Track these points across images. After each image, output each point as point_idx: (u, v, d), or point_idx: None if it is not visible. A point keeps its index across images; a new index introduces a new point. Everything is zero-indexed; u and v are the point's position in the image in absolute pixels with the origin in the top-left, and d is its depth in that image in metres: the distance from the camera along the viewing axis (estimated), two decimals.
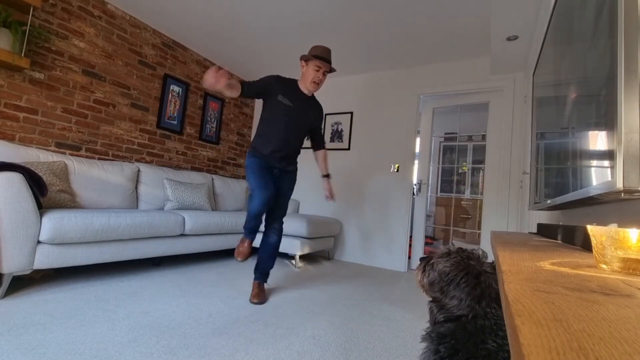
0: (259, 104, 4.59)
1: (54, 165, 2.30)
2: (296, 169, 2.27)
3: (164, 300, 1.86)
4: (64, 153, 2.65)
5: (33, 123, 2.48)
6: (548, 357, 0.17)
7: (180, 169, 3.57)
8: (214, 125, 4.05)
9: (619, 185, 0.45)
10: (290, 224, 3.19)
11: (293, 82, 2.14)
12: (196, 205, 3.14)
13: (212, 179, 3.70)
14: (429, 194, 3.86)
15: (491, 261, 0.79)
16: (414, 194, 3.67)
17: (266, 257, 2.16)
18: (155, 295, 1.95)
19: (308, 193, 4.16)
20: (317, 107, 2.26)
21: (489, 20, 2.37)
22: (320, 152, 2.36)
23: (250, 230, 2.05)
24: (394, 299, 2.34)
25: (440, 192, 4.65)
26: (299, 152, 2.24)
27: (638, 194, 0.47)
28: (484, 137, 3.67)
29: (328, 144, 4.10)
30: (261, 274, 2.14)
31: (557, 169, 1.08)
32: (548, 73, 1.31)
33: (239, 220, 3.14)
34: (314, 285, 2.54)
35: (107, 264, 2.52)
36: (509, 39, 2.47)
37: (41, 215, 1.82)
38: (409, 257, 3.62)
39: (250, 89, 2.02)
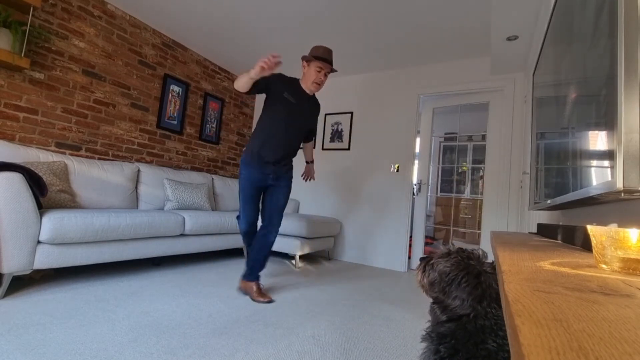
0: (259, 103, 4.59)
1: (54, 165, 2.30)
2: (292, 174, 2.25)
3: (164, 300, 1.86)
4: (64, 153, 2.65)
5: (33, 123, 2.48)
6: (548, 357, 0.17)
7: (180, 169, 3.57)
8: (214, 125, 4.05)
9: (619, 185, 0.45)
10: (290, 224, 3.19)
11: (296, 81, 2.15)
12: (196, 205, 3.14)
13: (212, 179, 3.70)
14: (429, 194, 3.86)
15: (491, 261, 0.79)
16: (414, 194, 3.67)
17: (263, 256, 2.13)
18: (155, 295, 1.95)
19: (308, 193, 4.16)
20: (317, 105, 2.29)
21: (489, 20, 2.37)
22: (310, 144, 2.50)
23: (246, 241, 2.29)
24: (394, 299, 2.34)
25: (440, 192, 4.65)
26: (295, 154, 2.23)
27: (638, 194, 0.47)
28: (484, 137, 3.67)
29: (328, 144, 4.11)
30: (257, 275, 2.11)
31: (557, 169, 1.08)
32: (548, 73, 1.31)
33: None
34: (314, 285, 2.54)
35: (107, 264, 2.53)
36: (509, 39, 2.47)
37: (41, 215, 1.82)
38: (409, 257, 3.62)
39: (256, 85, 1.94)
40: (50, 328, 1.39)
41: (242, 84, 1.89)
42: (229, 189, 3.80)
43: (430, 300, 0.82)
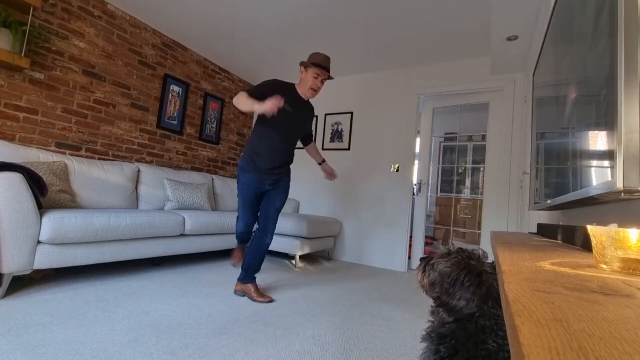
0: None
1: (54, 165, 2.30)
2: (289, 177, 2.28)
3: (164, 300, 1.86)
4: (64, 153, 2.65)
5: (33, 123, 2.48)
6: (548, 357, 0.17)
7: (180, 169, 3.57)
8: (214, 125, 4.05)
9: (619, 185, 0.45)
10: (290, 224, 3.19)
11: (292, 87, 2.15)
12: (196, 205, 3.14)
13: (212, 179, 3.70)
14: (429, 194, 3.86)
15: (491, 261, 0.79)
16: (414, 194, 3.67)
17: (259, 258, 2.14)
18: (155, 295, 1.95)
19: (308, 193, 4.16)
20: (311, 110, 2.29)
21: (489, 20, 2.37)
22: (312, 146, 2.46)
23: (240, 241, 2.37)
24: (394, 299, 2.34)
25: (440, 192, 4.65)
26: (292, 160, 2.26)
27: (638, 194, 0.47)
28: (484, 137, 3.67)
29: (328, 144, 4.11)
30: (254, 276, 2.12)
31: (557, 169, 1.08)
32: (548, 73, 1.31)
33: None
34: (314, 285, 2.54)
35: (107, 264, 2.52)
36: (509, 39, 2.47)
37: (41, 215, 1.82)
38: (409, 257, 3.62)
39: (257, 94, 1.99)
40: (50, 328, 1.39)
41: (242, 107, 1.95)
42: (229, 189, 3.80)
43: (431, 300, 0.82)
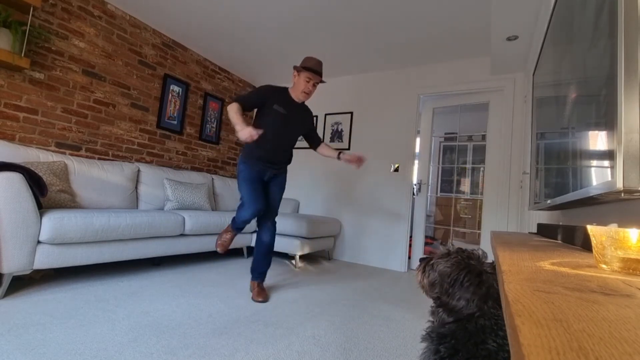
0: None
1: (54, 165, 2.30)
2: (286, 172, 2.37)
3: (164, 300, 1.86)
4: (64, 153, 2.65)
5: (33, 123, 2.48)
6: (548, 357, 0.17)
7: (180, 169, 3.57)
8: (214, 125, 4.05)
9: (619, 185, 0.45)
10: (290, 224, 3.19)
11: (285, 91, 2.23)
12: (196, 205, 3.14)
13: (212, 179, 3.70)
14: (429, 194, 3.86)
15: (491, 261, 0.79)
16: (414, 194, 3.67)
17: (261, 257, 2.20)
18: (155, 295, 1.95)
19: (308, 193, 4.16)
20: (308, 112, 2.36)
21: (489, 20, 2.37)
22: (322, 146, 2.45)
23: (237, 228, 2.22)
24: (394, 299, 2.34)
25: (440, 192, 4.65)
26: (290, 159, 2.34)
27: (638, 194, 0.47)
28: (484, 137, 3.67)
29: (328, 144, 4.11)
30: (259, 274, 2.18)
31: (557, 169, 1.08)
32: (548, 73, 1.31)
33: None
34: (314, 285, 2.54)
35: (107, 264, 2.52)
36: (509, 39, 2.47)
37: (41, 215, 1.82)
38: (409, 257, 3.62)
39: (246, 104, 2.12)
40: (50, 328, 1.39)
41: (230, 119, 2.03)
42: (229, 189, 3.80)
43: (431, 300, 0.82)
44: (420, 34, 2.96)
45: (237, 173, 2.22)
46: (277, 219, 3.25)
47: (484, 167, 3.39)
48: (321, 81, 2.19)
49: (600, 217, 0.84)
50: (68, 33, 2.65)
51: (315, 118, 4.22)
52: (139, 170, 2.97)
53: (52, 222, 1.82)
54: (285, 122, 2.18)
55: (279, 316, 1.79)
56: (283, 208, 4.07)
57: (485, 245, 3.11)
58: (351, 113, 3.99)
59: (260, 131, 1.89)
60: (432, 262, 0.82)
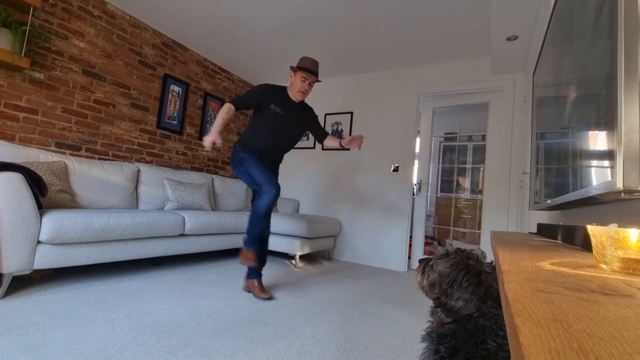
0: None
1: (54, 165, 2.30)
2: (278, 169, 2.44)
3: (164, 300, 1.86)
4: (64, 153, 2.65)
5: (33, 123, 2.48)
6: (548, 357, 0.17)
7: (180, 169, 3.57)
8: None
9: (619, 185, 0.45)
10: (290, 224, 3.19)
11: (283, 90, 2.26)
12: (196, 205, 3.14)
13: (212, 179, 3.70)
14: (429, 194, 3.86)
15: (490, 261, 0.79)
16: (414, 194, 3.67)
17: (263, 250, 2.19)
18: (155, 295, 1.95)
19: (308, 193, 4.16)
20: (307, 109, 2.39)
21: (489, 20, 2.37)
22: (328, 138, 2.42)
23: (256, 237, 2.07)
24: (394, 299, 2.34)
25: (440, 192, 4.65)
26: (285, 152, 2.38)
27: (638, 194, 0.47)
28: (484, 137, 3.67)
29: (332, 135, 4.11)
30: (251, 270, 2.16)
31: (557, 169, 1.08)
32: (548, 73, 1.31)
33: (239, 220, 3.14)
34: (314, 285, 2.54)
35: (107, 264, 2.52)
36: (509, 39, 2.47)
37: (41, 215, 1.82)
38: (409, 257, 3.62)
39: (243, 105, 2.18)
40: (50, 328, 1.38)
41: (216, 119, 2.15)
42: (229, 189, 3.80)
43: (431, 300, 0.82)
44: (420, 34, 2.96)
45: (235, 162, 2.17)
46: (277, 218, 3.27)
47: (484, 167, 3.39)
48: (317, 80, 2.22)
49: (600, 217, 0.84)
50: (68, 33, 2.65)
51: None
52: (139, 170, 2.97)
53: (52, 222, 1.82)
54: (282, 122, 2.20)
55: (279, 316, 1.79)
56: (283, 208, 4.07)
57: (485, 245, 3.11)
58: (351, 113, 3.99)
59: (219, 146, 2.08)
60: (431, 263, 0.82)
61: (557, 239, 1.07)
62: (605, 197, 0.61)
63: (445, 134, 4.58)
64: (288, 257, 3.53)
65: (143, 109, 3.25)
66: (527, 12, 2.12)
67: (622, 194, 0.48)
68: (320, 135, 2.43)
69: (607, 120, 0.53)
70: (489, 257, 0.80)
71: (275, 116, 2.18)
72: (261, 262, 2.18)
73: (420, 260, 0.87)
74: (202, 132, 3.88)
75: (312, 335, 1.57)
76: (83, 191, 2.46)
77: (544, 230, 1.38)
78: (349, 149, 2.45)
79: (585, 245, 0.74)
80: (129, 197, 2.80)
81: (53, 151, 2.54)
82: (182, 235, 2.68)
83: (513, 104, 3.12)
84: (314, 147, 4.20)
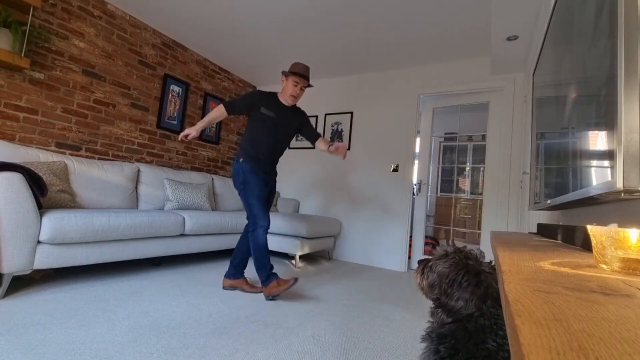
0: None
1: (54, 165, 2.30)
2: (276, 173, 2.47)
3: (164, 300, 1.86)
4: (64, 153, 2.65)
5: (33, 123, 2.48)
6: (548, 357, 0.17)
7: (180, 169, 3.57)
8: (214, 125, 4.05)
9: (619, 185, 0.45)
10: (290, 224, 3.19)
11: (273, 95, 2.35)
12: (196, 205, 3.14)
13: (212, 179, 3.70)
14: (429, 194, 3.86)
15: (489, 261, 0.79)
16: (414, 194, 3.67)
17: (252, 252, 2.19)
18: (155, 295, 1.95)
19: (308, 193, 4.16)
20: (299, 112, 2.46)
21: (489, 20, 2.37)
22: (319, 140, 2.45)
23: (267, 264, 2.12)
24: (394, 299, 2.34)
25: (440, 192, 4.65)
26: (281, 155, 2.44)
27: (638, 194, 0.47)
28: (484, 137, 3.67)
29: (324, 138, 4.11)
30: (236, 269, 2.25)
31: (557, 169, 1.08)
32: (548, 73, 1.31)
33: (239, 220, 3.14)
34: (314, 285, 2.54)
35: (107, 264, 2.52)
36: (509, 39, 2.47)
37: (41, 215, 1.82)
38: (409, 257, 3.62)
39: (234, 109, 2.28)
40: (50, 328, 1.39)
41: (215, 122, 2.37)
42: (229, 189, 3.80)
43: (431, 301, 0.82)
44: (420, 34, 2.96)
45: (239, 181, 2.21)
46: (277, 218, 3.27)
47: (484, 167, 3.39)
48: (308, 85, 2.31)
49: (600, 217, 0.84)
50: (68, 33, 2.65)
51: (315, 118, 4.22)
52: (139, 170, 2.97)
53: (52, 222, 1.82)
54: (275, 125, 2.29)
55: (279, 316, 1.79)
56: (283, 208, 4.07)
57: (485, 245, 3.11)
58: (351, 113, 3.99)
59: (192, 139, 2.21)
60: (430, 264, 0.82)
61: (557, 239, 1.07)
62: (605, 197, 0.61)
63: (445, 134, 4.58)
64: (288, 257, 3.53)
65: (143, 109, 3.25)
66: (527, 12, 2.12)
67: (622, 194, 0.48)
68: (313, 137, 2.48)
69: (607, 120, 0.53)
70: (488, 257, 0.80)
71: (268, 119, 2.26)
72: (243, 267, 2.30)
73: (420, 261, 0.87)
74: (202, 132, 3.86)
75: (312, 335, 1.57)
76: (83, 191, 2.46)
77: (544, 230, 1.38)
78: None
79: (585, 245, 0.74)
80: (129, 197, 2.80)
81: (53, 151, 2.54)
82: (182, 235, 2.68)
83: (513, 104, 3.12)
84: (314, 147, 4.20)
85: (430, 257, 0.85)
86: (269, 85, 4.52)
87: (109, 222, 2.08)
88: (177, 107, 3.58)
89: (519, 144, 3.05)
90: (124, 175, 2.78)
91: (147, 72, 3.26)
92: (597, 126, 0.62)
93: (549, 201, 1.08)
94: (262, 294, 2.15)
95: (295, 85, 2.26)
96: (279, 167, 2.53)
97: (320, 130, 4.18)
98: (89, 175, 2.54)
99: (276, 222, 3.23)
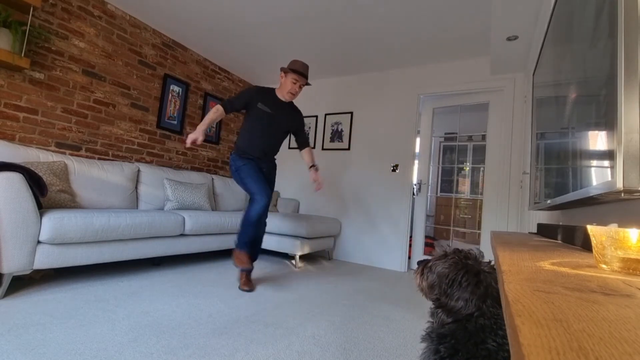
0: None
1: (54, 165, 2.30)
2: (276, 166, 2.54)
3: (164, 300, 1.86)
4: (64, 153, 2.65)
5: (33, 123, 2.48)
6: (548, 357, 0.17)
7: (180, 169, 3.57)
8: (214, 125, 4.05)
9: (619, 185, 0.45)
10: (290, 224, 3.19)
11: (271, 91, 2.37)
12: (196, 205, 3.14)
13: (212, 179, 3.70)
14: (429, 194, 3.86)
15: (488, 261, 0.79)
16: (414, 194, 3.67)
17: (260, 236, 2.35)
18: (155, 295, 1.95)
19: (308, 193, 4.16)
20: (296, 111, 2.49)
21: (489, 20, 2.37)
22: (306, 150, 2.57)
23: (247, 242, 2.19)
24: (394, 299, 2.34)
25: (440, 192, 4.65)
26: (277, 151, 2.48)
27: (638, 194, 0.47)
28: (484, 137, 3.67)
29: (328, 144, 4.11)
30: (239, 242, 2.24)
31: (557, 169, 1.08)
32: (548, 73, 1.31)
33: (239, 220, 3.13)
34: (314, 285, 2.54)
35: (107, 264, 2.52)
36: (509, 39, 2.47)
37: (41, 215, 1.82)
38: (409, 257, 3.63)
39: (232, 107, 2.28)
40: (50, 328, 1.39)
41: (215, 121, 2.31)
42: (229, 189, 3.80)
43: (431, 302, 0.82)
44: (420, 34, 2.96)
45: (233, 170, 2.32)
46: (277, 218, 3.27)
47: (484, 167, 3.39)
48: (307, 83, 2.33)
49: (600, 217, 0.84)
50: (68, 33, 2.65)
51: (315, 118, 4.22)
52: (139, 170, 2.97)
53: (52, 222, 1.82)
54: (271, 120, 2.30)
55: (279, 316, 1.79)
56: (283, 208, 4.07)
57: (485, 245, 3.11)
58: (351, 113, 3.99)
59: (200, 143, 2.14)
60: (429, 264, 0.82)
61: (557, 239, 1.07)
62: (605, 197, 0.61)
63: (445, 134, 4.57)
64: (288, 257, 3.53)
65: (143, 109, 3.25)
66: (527, 12, 2.12)
67: (622, 194, 0.48)
68: (302, 143, 2.54)
69: (607, 120, 0.53)
70: (488, 257, 0.80)
71: (265, 115, 2.27)
72: (253, 257, 2.32)
73: (419, 262, 0.87)
74: None
75: (312, 335, 1.57)
76: (83, 191, 2.46)
77: (544, 230, 1.38)
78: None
79: (585, 245, 0.74)
80: (129, 197, 2.80)
81: (53, 151, 2.54)
82: (182, 235, 2.68)
83: (513, 104, 3.12)
84: (314, 147, 4.20)
85: (429, 258, 0.85)
86: (269, 85, 4.51)
87: (109, 222, 2.08)
88: (177, 107, 3.58)
89: (519, 144, 3.05)
90: (124, 175, 2.78)
91: (147, 72, 3.26)
92: (597, 126, 0.62)
93: (549, 201, 1.08)
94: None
95: (294, 83, 2.27)
96: (279, 167, 2.54)
97: (320, 130, 4.18)
98: (89, 175, 2.54)
99: (276, 222, 3.23)
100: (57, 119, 2.62)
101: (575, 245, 0.84)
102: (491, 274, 0.74)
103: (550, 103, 1.26)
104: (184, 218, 2.67)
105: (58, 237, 1.84)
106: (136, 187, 2.92)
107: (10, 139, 2.36)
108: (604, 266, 0.47)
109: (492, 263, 0.79)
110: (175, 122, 3.56)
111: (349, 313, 1.95)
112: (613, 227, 0.44)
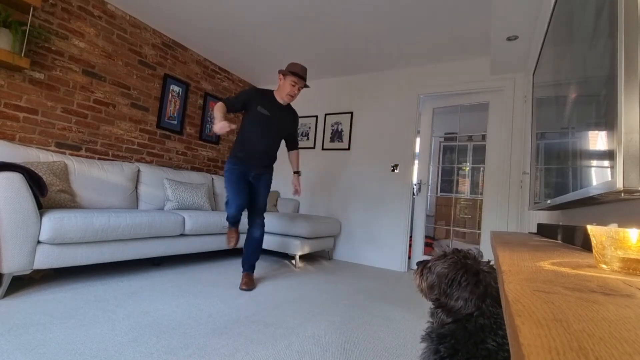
0: None
1: (54, 165, 2.30)
2: (272, 171, 2.51)
3: (164, 300, 1.86)
4: (64, 153, 2.65)
5: (33, 123, 2.48)
6: (548, 357, 0.17)
7: (180, 169, 3.57)
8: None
9: (619, 185, 0.45)
10: (290, 224, 3.19)
11: (269, 93, 2.37)
12: (196, 205, 3.14)
13: (212, 179, 3.70)
14: (429, 194, 3.86)
15: (487, 260, 0.79)
16: (414, 194, 3.67)
17: (251, 252, 2.37)
18: (155, 295, 1.95)
19: (308, 193, 4.16)
20: (293, 114, 2.49)
21: (489, 20, 2.37)
22: (294, 152, 2.60)
23: (232, 223, 2.40)
24: (394, 299, 2.34)
25: (440, 192, 4.65)
26: (275, 157, 2.47)
27: (638, 194, 0.47)
28: (484, 137, 3.67)
29: (328, 144, 4.12)
30: (249, 266, 2.35)
31: (557, 169, 1.08)
32: (548, 73, 1.31)
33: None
34: (314, 285, 2.54)
35: (107, 264, 2.52)
36: (509, 39, 2.47)
37: (41, 215, 1.82)
38: (409, 257, 3.63)
39: (233, 106, 2.27)
40: (50, 328, 1.38)
41: (214, 115, 2.22)
42: None
43: (431, 303, 0.82)
44: (420, 33, 2.96)
45: (224, 172, 2.38)
46: (277, 218, 3.28)
47: (484, 167, 3.39)
48: (305, 86, 2.33)
49: (600, 217, 0.84)
50: (68, 33, 2.65)
51: (315, 118, 4.22)
52: (139, 170, 2.97)
53: (52, 222, 1.82)
54: (269, 123, 2.30)
55: (279, 316, 1.79)
56: (283, 208, 4.07)
57: (485, 245, 3.11)
58: (351, 113, 3.99)
59: (234, 126, 2.01)
60: (429, 265, 0.82)
61: (557, 239, 1.07)
62: (605, 197, 0.61)
63: (445, 134, 4.57)
64: (288, 257, 3.53)
65: (143, 109, 3.25)
66: (527, 12, 2.12)
67: (622, 194, 0.48)
68: (292, 145, 2.57)
69: (607, 120, 0.53)
70: (488, 257, 0.80)
71: (263, 117, 2.27)
72: (254, 259, 2.40)
73: (418, 263, 0.88)
74: (202, 132, 3.88)
75: (312, 335, 1.57)
76: (83, 191, 2.46)
77: (544, 230, 1.38)
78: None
79: (585, 245, 0.74)
80: (129, 197, 2.80)
81: (53, 151, 2.54)
82: (182, 235, 2.68)
83: (513, 104, 3.12)
84: (314, 147, 4.21)
85: (429, 259, 0.85)
86: (269, 85, 4.51)
87: (109, 222, 2.08)
88: (177, 107, 3.58)
89: (519, 144, 3.05)
90: (124, 175, 2.78)
91: (147, 72, 3.26)
92: (597, 126, 0.62)
93: (549, 201, 1.08)
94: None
95: (293, 86, 2.28)
96: (279, 168, 2.54)
97: (320, 130, 4.18)
98: (89, 175, 2.54)
99: (276, 222, 3.23)
100: (57, 119, 2.62)
101: (575, 245, 0.84)
102: (490, 273, 0.74)
103: (550, 103, 1.26)
104: (184, 218, 2.67)
105: (58, 237, 1.84)
106: (136, 187, 2.92)
107: (10, 139, 2.36)
108: (604, 266, 0.47)
109: (491, 262, 0.79)
110: (175, 122, 3.56)
111: (349, 313, 1.95)
112: (613, 227, 0.44)
